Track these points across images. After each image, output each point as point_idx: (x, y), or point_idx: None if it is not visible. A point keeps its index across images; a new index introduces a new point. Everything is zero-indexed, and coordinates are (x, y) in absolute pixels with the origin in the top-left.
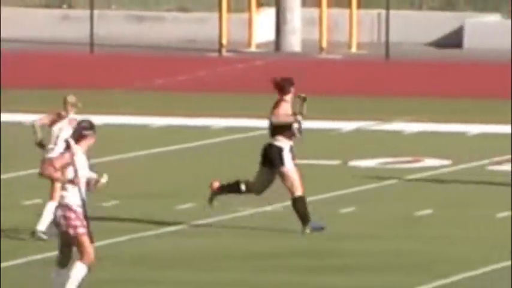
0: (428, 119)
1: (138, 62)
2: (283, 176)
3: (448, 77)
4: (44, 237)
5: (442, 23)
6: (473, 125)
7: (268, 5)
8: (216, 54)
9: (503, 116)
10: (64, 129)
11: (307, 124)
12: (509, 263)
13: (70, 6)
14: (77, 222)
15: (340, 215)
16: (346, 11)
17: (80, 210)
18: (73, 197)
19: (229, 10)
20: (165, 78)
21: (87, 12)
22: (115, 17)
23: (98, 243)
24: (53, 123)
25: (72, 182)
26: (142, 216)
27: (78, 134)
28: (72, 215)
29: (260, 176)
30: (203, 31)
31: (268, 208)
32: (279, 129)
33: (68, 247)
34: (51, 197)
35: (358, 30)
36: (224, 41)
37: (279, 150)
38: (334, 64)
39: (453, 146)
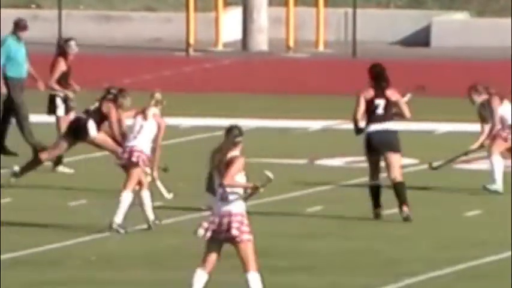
0: None
1: (105, 62)
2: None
3: (415, 76)
4: (121, 230)
5: (409, 21)
6: (441, 124)
7: (235, 4)
8: (183, 54)
9: (470, 114)
10: (147, 123)
11: (274, 123)
12: (476, 262)
13: (38, 6)
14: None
15: (306, 214)
16: (313, 10)
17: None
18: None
19: (196, 9)
20: (132, 78)
21: (55, 12)
22: (83, 17)
23: (63, 243)
24: (136, 115)
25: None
26: (109, 215)
27: (232, 142)
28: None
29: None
30: (170, 31)
31: None
32: None
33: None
34: (125, 187)
35: (325, 28)
36: (191, 41)
37: None
38: (301, 63)
39: (420, 144)
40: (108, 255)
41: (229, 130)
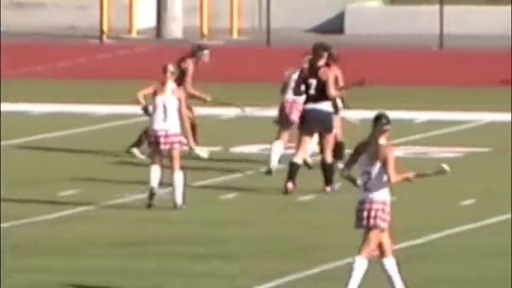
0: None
1: (19, 49)
2: None
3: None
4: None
5: (323, 8)
6: (353, 111)
7: None
8: (97, 41)
9: (384, 102)
10: (168, 99)
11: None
12: (396, 247)
13: None
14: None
15: (221, 201)
16: None
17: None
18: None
19: None
20: (46, 65)
21: None
22: None
23: None
24: (155, 94)
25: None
26: (26, 202)
27: (380, 130)
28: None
29: None
30: (84, 18)
31: (145, 195)
32: None
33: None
34: (173, 169)
35: (239, 16)
36: (105, 28)
37: None
38: (216, 51)
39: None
40: (24, 243)
41: (378, 118)
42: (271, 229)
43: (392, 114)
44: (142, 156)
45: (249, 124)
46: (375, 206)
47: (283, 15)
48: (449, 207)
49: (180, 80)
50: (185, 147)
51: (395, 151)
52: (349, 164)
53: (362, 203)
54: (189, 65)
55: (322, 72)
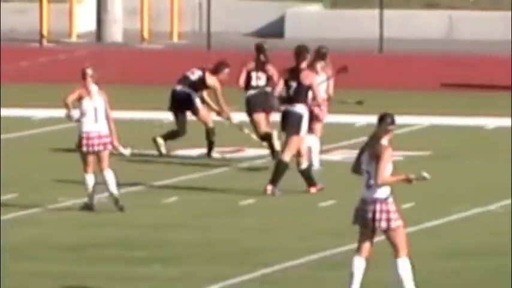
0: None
1: None
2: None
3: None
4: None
5: (263, 12)
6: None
7: None
8: (37, 45)
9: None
10: (97, 102)
11: (129, 114)
12: (331, 251)
13: None
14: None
15: (163, 205)
16: (168, 1)
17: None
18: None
19: (49, 0)
20: None
21: None
22: None
23: None
24: (80, 98)
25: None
26: None
27: (384, 130)
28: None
29: None
30: (24, 21)
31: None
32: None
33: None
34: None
35: (179, 20)
36: (45, 32)
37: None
38: (156, 54)
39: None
40: None
41: (382, 118)
42: (213, 233)
43: (332, 118)
44: (163, 150)
45: (190, 127)
46: (378, 207)
47: (224, 19)
48: None
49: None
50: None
51: (334, 155)
52: (356, 162)
53: (364, 202)
54: (215, 82)
55: (305, 75)
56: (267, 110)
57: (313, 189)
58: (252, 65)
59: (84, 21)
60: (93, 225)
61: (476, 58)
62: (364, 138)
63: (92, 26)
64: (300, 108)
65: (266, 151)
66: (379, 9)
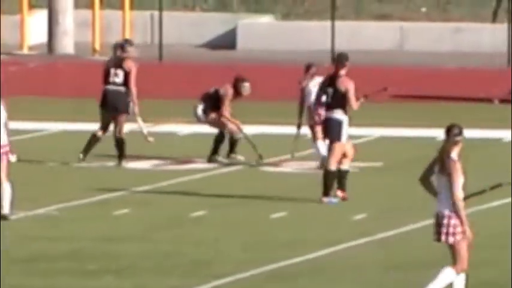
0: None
1: None
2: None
3: (222, 79)
4: None
5: (215, 24)
6: (247, 126)
7: (40, 7)
8: None
9: (278, 117)
10: None
11: (80, 126)
12: (284, 263)
13: None
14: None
15: (113, 217)
16: (119, 13)
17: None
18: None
19: (1, 12)
20: None
21: None
22: None
23: None
24: None
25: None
26: None
27: (453, 141)
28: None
29: None
30: None
31: (41, 211)
32: None
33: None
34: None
35: (131, 31)
36: None
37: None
38: None
39: (226, 147)
40: None
41: (450, 129)
42: (164, 245)
43: (287, 130)
44: (225, 161)
45: (141, 140)
46: (447, 222)
47: (176, 31)
48: (341, 221)
49: (216, 103)
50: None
51: (287, 167)
52: (426, 174)
53: (437, 217)
54: (228, 91)
55: (341, 81)
56: None
57: (340, 193)
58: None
59: (36, 33)
60: (43, 237)
61: (427, 70)
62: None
63: (43, 38)
64: (339, 114)
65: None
66: (330, 21)
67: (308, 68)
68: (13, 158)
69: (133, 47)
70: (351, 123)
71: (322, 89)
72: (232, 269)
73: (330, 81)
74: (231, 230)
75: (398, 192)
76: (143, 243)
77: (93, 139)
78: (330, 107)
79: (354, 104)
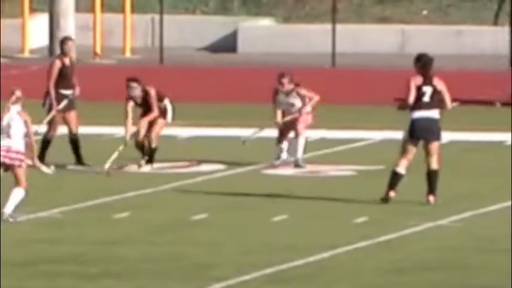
0: (202, 124)
1: None
2: None
3: (223, 82)
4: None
5: (216, 27)
6: (248, 129)
7: (41, 10)
8: None
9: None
10: (14, 120)
11: (80, 130)
12: (284, 266)
13: None
14: None
15: (114, 221)
16: (120, 16)
17: None
18: None
19: (1, 16)
20: None
21: None
22: None
23: None
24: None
25: None
26: None
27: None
28: None
29: None
30: None
31: (44, 214)
32: None
33: None
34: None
35: (132, 35)
36: None
37: None
38: (109, 69)
39: (227, 150)
40: None
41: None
42: (165, 247)
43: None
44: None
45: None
46: None
47: (176, 34)
48: (342, 224)
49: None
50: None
51: (286, 170)
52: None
53: None
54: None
55: (438, 81)
56: None
57: (392, 193)
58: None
59: (37, 37)
60: (45, 241)
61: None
62: (316, 153)
63: (44, 41)
64: (437, 114)
65: (220, 166)
66: (331, 24)
67: (281, 76)
68: (49, 171)
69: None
70: (356, 126)
71: (417, 90)
72: (233, 272)
73: (426, 81)
74: (232, 233)
75: (400, 195)
76: (144, 246)
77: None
78: (429, 106)
79: (449, 103)
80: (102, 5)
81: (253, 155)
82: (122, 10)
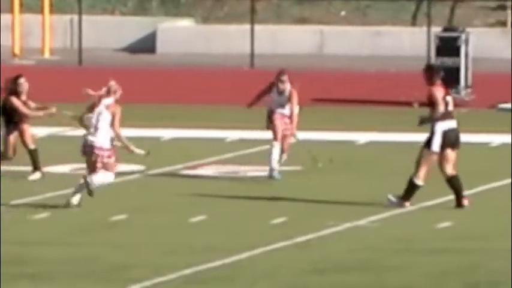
0: (122, 125)
1: None
2: None
3: (141, 83)
4: None
5: (134, 28)
6: (167, 130)
7: None
8: None
9: (194, 121)
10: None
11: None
12: (203, 267)
13: None
14: None
15: (33, 221)
16: (39, 17)
17: None
18: None
19: None
20: None
21: None
22: None
23: None
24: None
25: None
26: None
27: None
28: None
29: None
30: None
31: None
32: None
33: None
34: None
35: (51, 35)
36: None
37: None
38: (27, 70)
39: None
40: None
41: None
42: (83, 249)
43: (201, 134)
44: None
45: (60, 143)
46: None
47: (95, 35)
48: (260, 225)
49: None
50: None
51: (205, 170)
52: None
53: None
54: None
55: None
56: None
57: (407, 204)
58: None
59: None
60: None
61: (347, 73)
62: (235, 153)
63: None
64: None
65: (139, 166)
66: (250, 25)
67: (281, 73)
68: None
69: None
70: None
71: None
72: (151, 273)
73: (446, 92)
74: (150, 234)
75: (318, 195)
76: (62, 248)
77: None
78: (452, 116)
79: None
80: (21, 5)
81: (172, 156)
82: (41, 11)
